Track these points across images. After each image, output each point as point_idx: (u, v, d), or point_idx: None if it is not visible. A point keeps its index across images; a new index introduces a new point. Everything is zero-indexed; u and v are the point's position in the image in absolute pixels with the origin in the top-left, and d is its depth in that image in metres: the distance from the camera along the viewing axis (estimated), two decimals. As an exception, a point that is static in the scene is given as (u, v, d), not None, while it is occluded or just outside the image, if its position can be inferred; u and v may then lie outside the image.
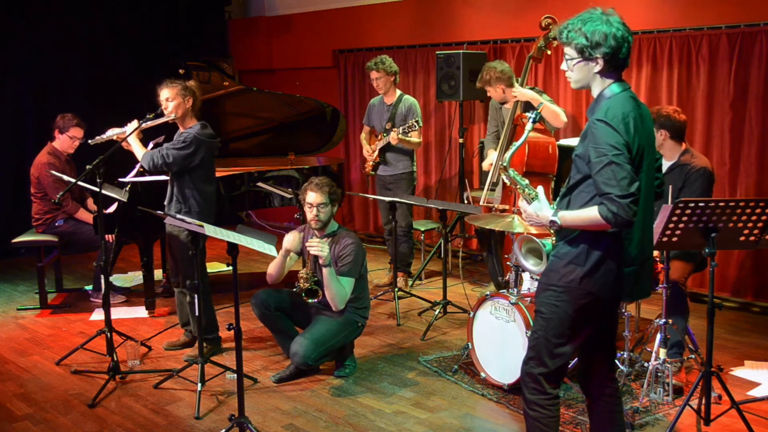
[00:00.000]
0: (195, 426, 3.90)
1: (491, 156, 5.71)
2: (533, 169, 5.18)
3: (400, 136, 5.91)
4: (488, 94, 5.69)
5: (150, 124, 4.63)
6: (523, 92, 5.35)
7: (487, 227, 4.41)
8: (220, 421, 3.92)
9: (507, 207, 5.22)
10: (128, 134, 4.63)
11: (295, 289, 4.49)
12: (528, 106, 5.45)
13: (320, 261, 4.29)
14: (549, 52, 5.49)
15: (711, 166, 4.32)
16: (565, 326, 2.84)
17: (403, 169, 6.18)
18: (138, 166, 5.38)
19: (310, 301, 4.44)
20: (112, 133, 4.75)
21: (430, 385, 4.37)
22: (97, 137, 4.79)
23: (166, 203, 4.71)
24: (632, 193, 2.58)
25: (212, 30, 9.10)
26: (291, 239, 4.48)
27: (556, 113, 5.27)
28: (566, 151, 5.66)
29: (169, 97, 4.53)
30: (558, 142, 5.99)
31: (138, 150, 4.64)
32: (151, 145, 5.09)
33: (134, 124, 4.66)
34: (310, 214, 4.41)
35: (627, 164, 2.60)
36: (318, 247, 4.25)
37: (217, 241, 4.36)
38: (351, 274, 4.41)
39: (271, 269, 4.52)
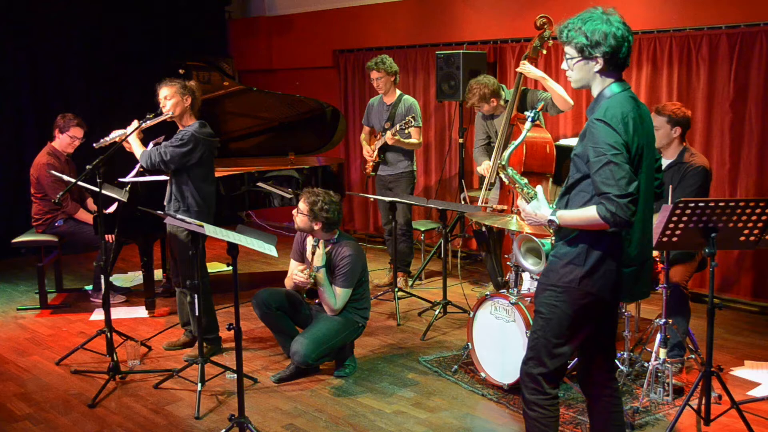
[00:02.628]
0: (195, 426, 3.90)
1: (485, 163, 5.72)
2: (531, 169, 5.20)
3: (396, 136, 5.91)
4: (478, 110, 5.66)
5: (150, 123, 4.63)
6: (531, 70, 5.33)
7: (485, 223, 4.42)
8: (220, 421, 3.92)
9: (505, 207, 5.23)
10: (128, 134, 4.63)
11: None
12: (523, 105, 5.48)
13: (313, 262, 4.31)
14: (545, 52, 5.49)
15: (709, 166, 4.32)
16: (564, 326, 2.84)
17: (403, 169, 6.18)
18: (138, 166, 5.38)
19: (310, 301, 4.46)
20: (115, 135, 4.73)
21: (430, 385, 4.37)
22: (101, 140, 4.77)
23: (165, 203, 4.71)
24: (630, 192, 2.58)
25: (212, 30, 9.10)
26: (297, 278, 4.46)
27: (562, 96, 5.24)
28: (566, 151, 5.67)
29: (168, 96, 4.54)
30: (557, 142, 6.02)
31: (137, 149, 4.64)
32: (150, 144, 5.08)
33: (134, 124, 4.67)
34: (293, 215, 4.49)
35: (626, 164, 2.60)
36: (315, 255, 4.31)
37: (217, 241, 4.37)
38: (346, 286, 4.42)
39: (288, 285, 4.61)
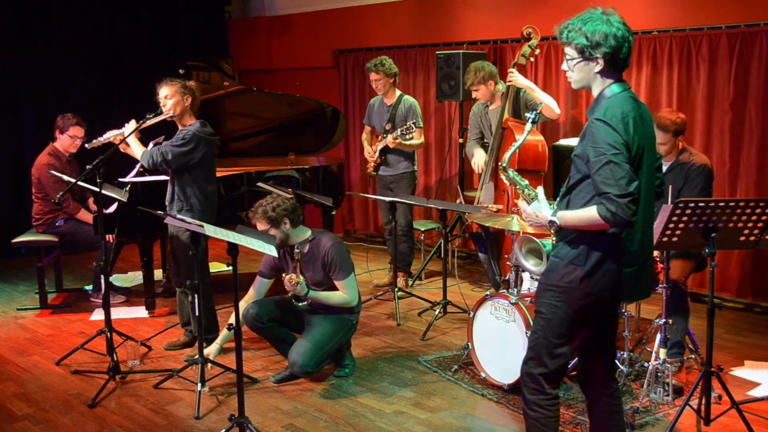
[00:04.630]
0: (195, 426, 3.90)
1: (478, 155, 5.76)
2: (525, 167, 5.29)
3: (398, 140, 5.93)
4: (475, 95, 5.75)
5: (149, 123, 4.62)
6: (519, 79, 5.49)
7: (483, 224, 4.43)
8: (220, 421, 3.92)
9: (501, 207, 5.28)
10: (127, 135, 4.62)
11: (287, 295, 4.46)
12: (517, 104, 5.55)
13: (300, 297, 4.30)
14: (532, 60, 5.72)
15: (710, 164, 4.33)
16: (564, 327, 2.84)
17: (404, 170, 6.18)
18: (138, 166, 5.38)
19: (300, 305, 4.41)
20: (109, 135, 4.72)
21: (430, 385, 4.37)
22: (95, 141, 4.76)
23: (167, 203, 4.71)
24: (631, 192, 2.57)
25: (212, 30, 9.10)
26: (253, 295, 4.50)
27: (548, 105, 5.40)
28: (566, 151, 5.69)
29: (168, 95, 4.53)
30: (558, 142, 6.04)
31: (137, 149, 4.63)
32: (150, 144, 5.08)
33: (132, 124, 4.65)
34: None
35: (626, 164, 2.60)
36: (295, 286, 4.25)
37: (217, 241, 4.37)
38: (346, 273, 4.38)
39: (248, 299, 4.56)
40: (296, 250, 4.36)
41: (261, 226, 4.30)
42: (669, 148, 4.27)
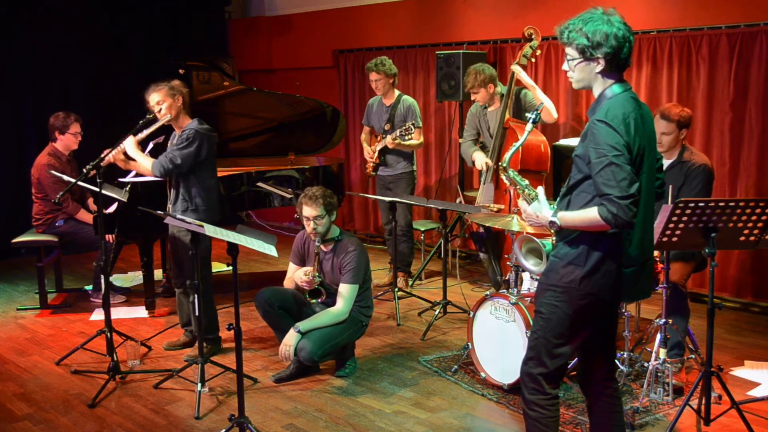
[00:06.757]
0: (195, 426, 3.90)
1: (479, 157, 5.75)
2: (528, 167, 5.29)
3: (396, 141, 5.93)
4: (474, 98, 5.76)
5: (145, 133, 4.55)
6: (523, 75, 5.51)
7: (484, 224, 4.44)
8: (220, 421, 3.92)
9: (503, 206, 5.28)
10: (127, 150, 4.54)
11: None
12: (518, 106, 5.55)
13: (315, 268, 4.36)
14: (533, 60, 5.73)
15: (710, 164, 4.33)
16: (564, 327, 2.84)
17: (402, 170, 6.19)
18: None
19: (313, 301, 4.44)
20: (107, 155, 4.55)
21: (430, 385, 4.37)
22: (96, 162, 4.44)
23: (170, 204, 4.70)
24: (632, 194, 2.57)
25: (212, 30, 9.10)
26: (293, 281, 4.53)
27: (548, 108, 5.42)
28: (567, 152, 5.69)
29: (159, 100, 4.50)
30: (558, 142, 6.04)
31: (145, 162, 4.55)
32: (151, 145, 5.08)
33: (130, 139, 4.55)
34: (308, 227, 4.39)
35: (627, 165, 2.60)
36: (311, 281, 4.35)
37: (217, 241, 4.37)
38: (354, 281, 4.41)
39: (287, 287, 4.61)
40: (317, 244, 4.39)
41: (313, 210, 4.32)
42: (672, 140, 4.23)
